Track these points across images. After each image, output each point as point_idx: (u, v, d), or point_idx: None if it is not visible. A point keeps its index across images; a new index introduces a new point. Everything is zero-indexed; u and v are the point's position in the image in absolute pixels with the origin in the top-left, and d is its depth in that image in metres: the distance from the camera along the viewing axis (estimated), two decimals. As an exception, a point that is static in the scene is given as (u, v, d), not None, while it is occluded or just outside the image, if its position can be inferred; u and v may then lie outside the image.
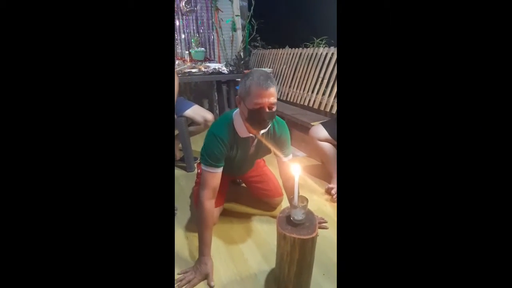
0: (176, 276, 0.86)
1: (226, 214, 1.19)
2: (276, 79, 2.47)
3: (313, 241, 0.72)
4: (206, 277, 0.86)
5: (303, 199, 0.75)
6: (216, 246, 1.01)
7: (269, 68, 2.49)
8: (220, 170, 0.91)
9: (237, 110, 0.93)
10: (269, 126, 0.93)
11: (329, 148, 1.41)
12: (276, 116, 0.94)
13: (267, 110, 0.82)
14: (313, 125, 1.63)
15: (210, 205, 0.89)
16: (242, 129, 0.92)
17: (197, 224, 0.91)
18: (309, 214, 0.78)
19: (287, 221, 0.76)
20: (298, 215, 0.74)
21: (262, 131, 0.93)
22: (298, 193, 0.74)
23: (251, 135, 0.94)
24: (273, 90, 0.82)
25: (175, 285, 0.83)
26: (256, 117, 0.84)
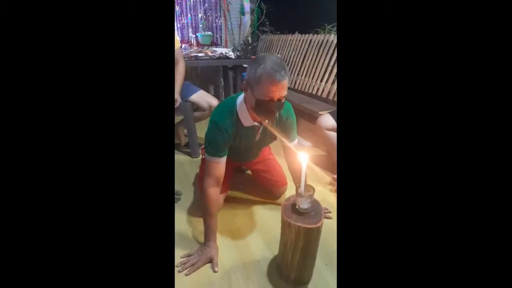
0: (180, 259, 0.87)
1: (230, 201, 1.18)
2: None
3: (318, 230, 0.71)
4: (210, 260, 0.86)
5: (310, 188, 0.74)
6: (219, 232, 1.01)
7: (278, 54, 2.42)
8: (224, 159, 0.89)
9: (241, 96, 0.88)
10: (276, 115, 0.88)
11: (336, 138, 1.38)
12: None
13: (276, 101, 0.77)
14: (321, 114, 1.59)
15: (214, 193, 0.88)
16: (246, 118, 0.87)
17: (202, 211, 0.91)
18: (315, 204, 0.76)
19: (292, 209, 0.75)
20: (304, 204, 0.73)
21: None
22: (305, 182, 0.72)
23: (256, 123, 0.89)
24: (286, 82, 0.75)
25: (178, 268, 0.84)
26: (264, 108, 0.78)
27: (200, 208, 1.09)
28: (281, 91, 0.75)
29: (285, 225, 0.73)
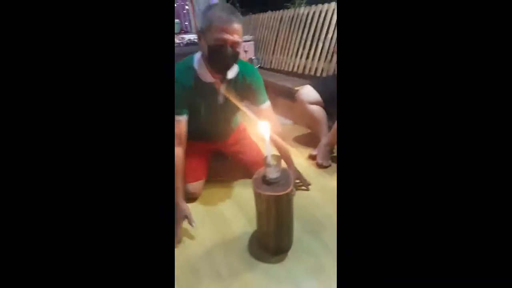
0: None
1: (210, 184, 1.18)
2: (258, 47, 2.36)
3: (287, 197, 0.72)
4: (185, 218, 0.87)
5: (277, 158, 0.74)
6: (199, 212, 1.02)
7: (251, 35, 2.37)
8: (183, 118, 0.88)
9: (199, 52, 0.87)
10: (232, 68, 0.87)
11: (319, 111, 1.33)
12: (243, 61, 0.89)
13: (229, 48, 0.76)
14: (297, 90, 1.57)
15: (177, 151, 0.87)
16: (205, 73, 0.85)
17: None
18: (284, 172, 0.77)
19: (263, 180, 0.75)
20: (272, 174, 0.73)
21: (229, 76, 0.88)
22: (271, 151, 0.72)
23: (215, 80, 0.87)
24: (237, 26, 0.75)
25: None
26: (217, 56, 0.77)
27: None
28: (232, 34, 0.75)
29: (257, 196, 0.74)
